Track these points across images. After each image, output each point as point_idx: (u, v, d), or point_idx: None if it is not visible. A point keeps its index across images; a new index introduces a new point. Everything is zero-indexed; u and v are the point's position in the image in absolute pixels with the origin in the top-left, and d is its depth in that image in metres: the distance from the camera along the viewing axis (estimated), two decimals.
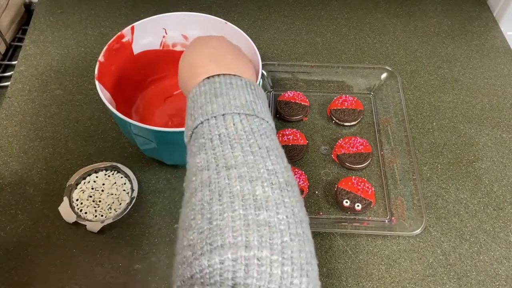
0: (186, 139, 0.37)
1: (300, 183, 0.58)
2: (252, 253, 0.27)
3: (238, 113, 0.35)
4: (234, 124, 0.34)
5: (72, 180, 0.57)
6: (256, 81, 0.53)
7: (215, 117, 0.34)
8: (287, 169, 0.34)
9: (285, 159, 0.35)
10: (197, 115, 0.35)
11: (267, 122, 0.36)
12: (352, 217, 0.58)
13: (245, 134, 0.33)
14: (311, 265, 0.30)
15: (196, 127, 0.35)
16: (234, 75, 0.38)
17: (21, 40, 0.80)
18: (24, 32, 0.80)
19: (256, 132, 0.34)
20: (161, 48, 0.63)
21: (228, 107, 0.35)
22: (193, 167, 0.33)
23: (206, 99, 0.36)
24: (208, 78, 0.38)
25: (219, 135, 0.33)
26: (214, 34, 0.61)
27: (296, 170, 0.59)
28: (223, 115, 0.34)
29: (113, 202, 0.56)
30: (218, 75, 0.38)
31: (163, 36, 0.62)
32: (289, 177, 0.33)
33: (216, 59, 0.40)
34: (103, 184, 0.58)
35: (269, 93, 0.69)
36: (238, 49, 0.44)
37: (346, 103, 0.66)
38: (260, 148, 0.33)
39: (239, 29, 0.58)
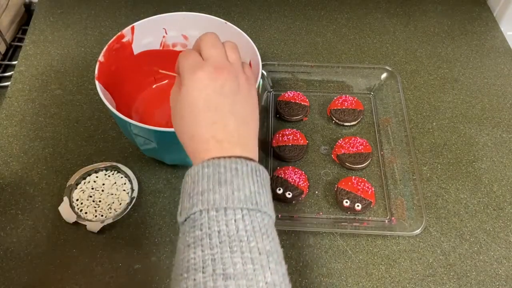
0: (179, 219, 0.35)
1: (300, 183, 0.58)
2: None
3: (241, 208, 0.33)
4: (235, 221, 0.32)
5: (72, 180, 0.57)
6: (256, 82, 0.53)
7: (216, 209, 0.33)
8: (284, 277, 0.32)
9: (283, 262, 0.34)
10: (196, 201, 0.34)
11: (269, 216, 0.35)
12: (352, 217, 0.58)
13: (246, 235, 0.32)
14: None
15: (194, 213, 0.33)
16: (239, 157, 0.36)
17: (21, 40, 0.80)
18: (24, 32, 0.80)
19: (258, 232, 0.33)
20: (161, 48, 0.63)
21: (231, 200, 0.33)
22: (186, 260, 0.32)
23: (209, 185, 0.34)
24: (212, 160, 0.35)
25: (219, 232, 0.32)
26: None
27: (296, 170, 0.59)
28: (224, 208, 0.33)
29: (113, 202, 0.56)
30: (224, 157, 0.35)
31: (163, 36, 0.62)
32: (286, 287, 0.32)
33: (218, 131, 0.37)
34: (103, 184, 0.58)
35: (269, 93, 0.69)
36: (236, 92, 0.38)
37: (346, 103, 0.66)
38: (260, 254, 0.32)
39: (239, 29, 0.58)
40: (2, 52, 0.78)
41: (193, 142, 0.37)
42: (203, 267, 0.30)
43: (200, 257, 0.31)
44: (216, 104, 0.37)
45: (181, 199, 0.36)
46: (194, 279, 0.30)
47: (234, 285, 0.29)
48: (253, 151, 0.38)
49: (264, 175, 0.36)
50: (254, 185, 0.35)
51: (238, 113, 0.38)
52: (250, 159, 0.36)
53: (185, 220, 0.34)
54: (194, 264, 0.31)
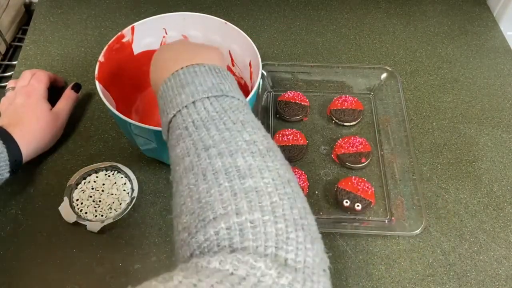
0: (164, 137, 0.38)
1: (300, 183, 0.58)
2: (244, 218, 0.28)
3: (207, 97, 0.35)
4: (205, 108, 0.35)
5: (72, 180, 0.57)
6: (257, 79, 0.53)
7: (185, 106, 0.35)
8: (266, 137, 0.34)
9: (263, 129, 0.36)
10: (169, 110, 0.36)
11: (238, 99, 0.37)
12: (352, 217, 0.58)
13: (217, 114, 0.34)
14: (306, 219, 0.31)
15: (170, 121, 0.36)
16: (197, 64, 0.38)
17: (21, 40, 0.80)
18: (24, 32, 0.80)
19: (228, 110, 0.35)
20: None
21: (196, 94, 0.35)
22: (175, 158, 0.34)
23: (174, 92, 0.37)
24: (172, 74, 0.38)
25: (193, 122, 0.34)
26: (214, 35, 0.61)
27: (296, 170, 0.59)
28: (193, 102, 0.35)
29: (113, 202, 0.56)
30: (182, 68, 0.38)
31: (163, 36, 0.62)
32: (269, 144, 0.34)
33: (176, 57, 0.41)
34: (103, 184, 0.58)
35: (269, 93, 0.69)
36: (201, 45, 0.45)
37: (346, 103, 0.66)
38: (234, 124, 0.34)
39: (239, 29, 0.58)
40: (2, 52, 0.78)
41: (157, 72, 0.41)
42: (187, 153, 0.33)
43: (183, 148, 0.33)
44: (176, 47, 0.43)
45: (161, 120, 0.38)
46: (183, 165, 0.32)
47: (215, 151, 0.32)
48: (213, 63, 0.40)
49: (224, 71, 0.39)
50: (215, 78, 0.37)
51: (197, 49, 0.42)
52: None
53: (168, 133, 0.37)
54: (181, 155, 0.33)
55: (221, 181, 0.30)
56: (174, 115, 0.36)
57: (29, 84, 0.60)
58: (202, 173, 0.31)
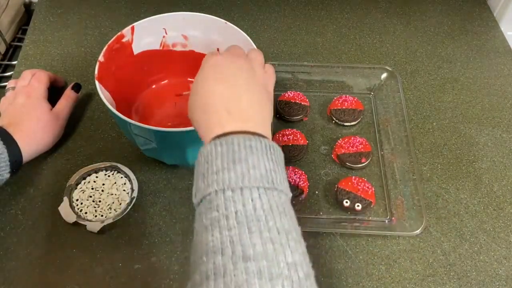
0: (195, 201, 0.34)
1: (300, 183, 0.58)
2: None
3: (257, 187, 0.32)
4: (252, 201, 0.32)
5: (72, 180, 0.57)
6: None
7: (232, 189, 0.32)
8: (305, 256, 0.32)
9: (302, 240, 0.33)
10: (211, 181, 0.33)
11: (286, 194, 0.35)
12: (352, 217, 0.58)
13: (263, 214, 0.31)
14: None
15: (209, 194, 0.33)
16: (253, 133, 0.35)
17: (21, 40, 0.80)
18: (24, 32, 0.80)
19: (275, 211, 0.32)
20: (161, 48, 0.63)
21: (247, 179, 0.32)
22: (204, 243, 0.31)
23: (223, 164, 0.33)
24: (225, 134, 0.35)
25: (236, 213, 0.31)
26: (214, 35, 0.61)
27: (296, 170, 0.59)
28: (240, 188, 0.32)
29: (113, 202, 0.56)
30: (236, 133, 0.35)
31: (163, 36, 0.62)
32: (308, 267, 0.31)
33: (231, 104, 0.37)
34: (103, 184, 0.58)
35: None
36: (252, 77, 0.40)
37: (346, 103, 0.66)
38: (279, 233, 0.31)
39: (239, 29, 0.58)
40: (2, 52, 0.78)
41: (205, 113, 0.38)
42: (222, 249, 0.30)
43: (218, 240, 0.30)
44: (229, 79, 0.38)
45: (194, 179, 0.35)
46: (214, 262, 0.29)
47: (255, 267, 0.29)
48: (266, 130, 0.37)
49: (277, 152, 0.36)
50: (269, 162, 0.34)
51: (253, 93, 0.39)
52: (263, 137, 0.36)
53: (201, 201, 0.33)
54: (213, 247, 0.30)
55: None
56: (216, 191, 0.32)
57: (29, 84, 0.60)
58: None
